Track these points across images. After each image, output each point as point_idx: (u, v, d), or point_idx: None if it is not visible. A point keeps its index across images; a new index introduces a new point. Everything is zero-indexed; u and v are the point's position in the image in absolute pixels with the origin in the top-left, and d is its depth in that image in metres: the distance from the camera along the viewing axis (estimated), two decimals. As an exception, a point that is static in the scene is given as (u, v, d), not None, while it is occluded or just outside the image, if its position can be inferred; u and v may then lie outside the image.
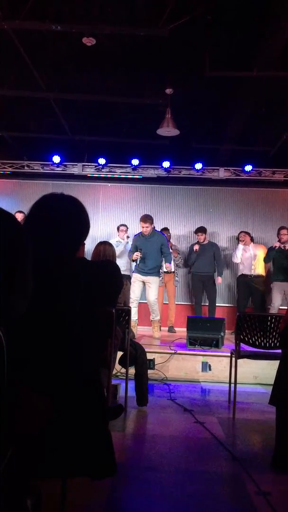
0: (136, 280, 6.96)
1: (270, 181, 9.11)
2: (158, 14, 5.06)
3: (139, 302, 7.26)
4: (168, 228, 8.58)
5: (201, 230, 8.25)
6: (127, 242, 7.96)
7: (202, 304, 8.35)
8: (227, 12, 5.15)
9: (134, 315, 6.80)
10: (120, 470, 1.90)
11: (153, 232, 6.94)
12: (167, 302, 8.25)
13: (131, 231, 8.61)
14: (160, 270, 7.80)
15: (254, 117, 7.31)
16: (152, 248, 6.84)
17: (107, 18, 5.29)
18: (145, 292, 7.03)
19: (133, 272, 7.18)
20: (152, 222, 6.90)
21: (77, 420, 1.63)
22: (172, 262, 8.05)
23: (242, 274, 8.18)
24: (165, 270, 7.79)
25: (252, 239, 8.20)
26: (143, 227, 6.82)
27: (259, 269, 8.06)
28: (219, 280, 8.22)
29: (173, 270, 8.11)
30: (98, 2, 5.08)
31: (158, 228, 8.38)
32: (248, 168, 8.85)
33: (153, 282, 6.92)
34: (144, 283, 6.96)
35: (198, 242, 8.23)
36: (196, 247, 8.15)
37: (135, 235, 7.14)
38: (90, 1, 5.11)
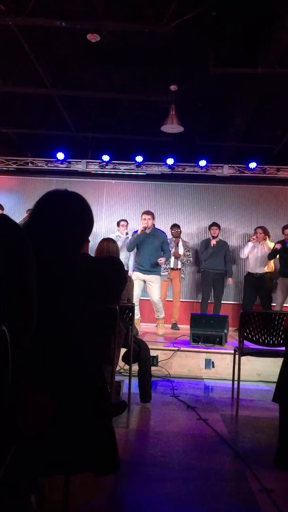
0: (137, 279, 6.89)
1: (275, 179, 9.08)
2: (163, 10, 5.04)
3: (144, 299, 7.29)
4: (178, 224, 8.55)
5: (216, 224, 8.26)
6: (127, 237, 7.93)
7: (208, 301, 8.33)
8: (231, 9, 5.13)
9: (136, 314, 6.80)
10: (123, 467, 1.90)
11: (154, 229, 6.93)
12: (171, 299, 8.23)
13: (134, 227, 8.62)
14: (167, 266, 7.82)
15: (258, 114, 7.28)
16: (152, 246, 6.83)
17: (112, 14, 5.28)
18: (146, 290, 7.01)
19: (133, 271, 7.15)
20: (153, 217, 6.89)
21: (81, 417, 1.63)
22: (178, 261, 8.03)
23: (249, 272, 8.16)
24: (169, 266, 7.81)
25: (267, 237, 8.11)
26: (144, 219, 6.77)
27: (267, 268, 8.02)
28: (230, 281, 8.24)
29: (179, 267, 8.10)
30: (103, -2, 5.07)
31: (168, 225, 8.40)
32: (253, 165, 8.82)
33: (154, 282, 6.91)
34: (144, 282, 6.95)
35: (213, 237, 8.20)
36: (214, 241, 8.10)
37: (134, 232, 7.12)
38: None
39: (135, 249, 7.03)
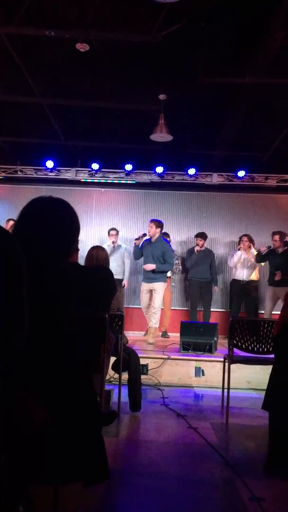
0: (144, 290, 7.18)
1: (263, 187, 9.15)
2: (152, 20, 5.08)
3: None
4: (168, 233, 8.56)
5: (201, 235, 8.26)
6: (119, 246, 8.01)
7: (197, 309, 8.34)
8: (220, 20, 5.19)
9: (155, 323, 7.04)
10: (113, 476, 1.89)
11: (159, 238, 7.10)
12: (162, 307, 8.23)
13: (123, 235, 8.66)
14: (169, 273, 7.88)
15: (247, 123, 7.36)
16: (153, 255, 6.99)
17: (101, 24, 5.31)
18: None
19: (141, 281, 7.38)
20: (157, 226, 7.07)
21: (70, 426, 1.62)
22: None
23: (234, 279, 8.21)
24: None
25: (252, 245, 8.16)
26: (148, 227, 7.10)
27: (252, 275, 8.07)
28: (215, 289, 8.26)
29: (168, 275, 8.10)
30: (93, 8, 5.10)
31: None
32: (241, 173, 8.88)
33: (158, 289, 7.03)
34: (151, 291, 7.10)
35: (197, 245, 8.23)
36: (197, 248, 8.13)
37: (145, 240, 7.31)
38: (85, 7, 5.12)
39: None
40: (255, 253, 7.93)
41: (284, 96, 6.66)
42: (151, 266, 6.92)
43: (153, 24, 5.08)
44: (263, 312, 8.01)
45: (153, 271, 7.00)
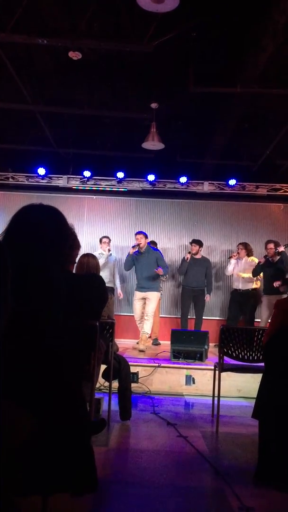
0: (137, 299, 7.36)
1: (254, 196, 9.21)
2: (144, 30, 5.12)
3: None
4: (156, 241, 8.57)
5: (195, 241, 8.19)
6: (110, 254, 7.99)
7: (189, 317, 8.32)
8: (211, 30, 5.24)
9: (147, 329, 7.14)
10: (102, 486, 1.88)
11: (147, 248, 7.28)
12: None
13: (115, 243, 8.65)
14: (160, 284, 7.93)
15: (237, 133, 7.42)
16: (147, 263, 7.18)
17: (94, 33, 5.34)
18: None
19: (135, 290, 7.55)
20: (144, 237, 7.28)
21: (59, 435, 1.61)
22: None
23: (234, 289, 8.21)
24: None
25: (248, 253, 8.15)
26: (137, 239, 7.26)
27: (255, 284, 8.05)
28: (207, 297, 8.23)
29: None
30: (85, 17, 5.13)
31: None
32: (232, 182, 8.93)
33: (152, 298, 7.22)
34: (144, 300, 7.24)
35: (190, 252, 8.20)
36: (188, 255, 8.08)
37: (135, 253, 7.38)
38: (77, 16, 5.15)
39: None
40: (256, 260, 7.89)
41: (275, 106, 6.73)
42: (161, 271, 7.07)
43: (145, 34, 5.12)
44: (259, 320, 8.01)
45: (149, 279, 7.18)
